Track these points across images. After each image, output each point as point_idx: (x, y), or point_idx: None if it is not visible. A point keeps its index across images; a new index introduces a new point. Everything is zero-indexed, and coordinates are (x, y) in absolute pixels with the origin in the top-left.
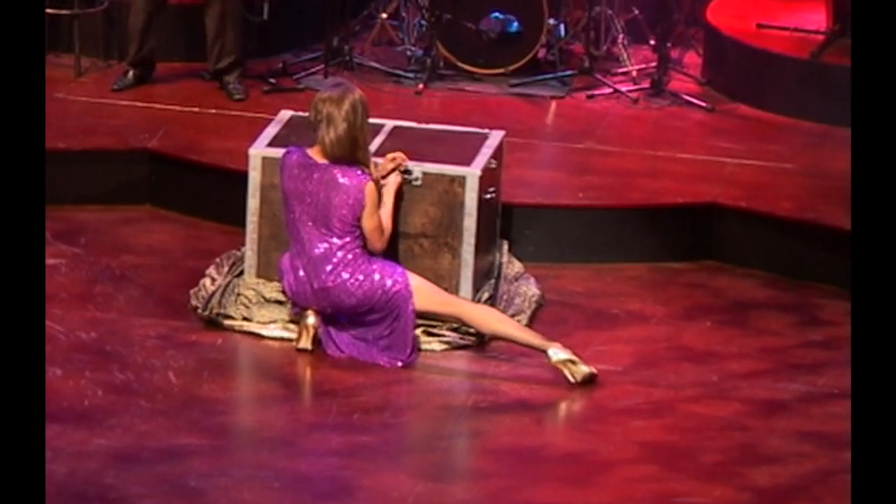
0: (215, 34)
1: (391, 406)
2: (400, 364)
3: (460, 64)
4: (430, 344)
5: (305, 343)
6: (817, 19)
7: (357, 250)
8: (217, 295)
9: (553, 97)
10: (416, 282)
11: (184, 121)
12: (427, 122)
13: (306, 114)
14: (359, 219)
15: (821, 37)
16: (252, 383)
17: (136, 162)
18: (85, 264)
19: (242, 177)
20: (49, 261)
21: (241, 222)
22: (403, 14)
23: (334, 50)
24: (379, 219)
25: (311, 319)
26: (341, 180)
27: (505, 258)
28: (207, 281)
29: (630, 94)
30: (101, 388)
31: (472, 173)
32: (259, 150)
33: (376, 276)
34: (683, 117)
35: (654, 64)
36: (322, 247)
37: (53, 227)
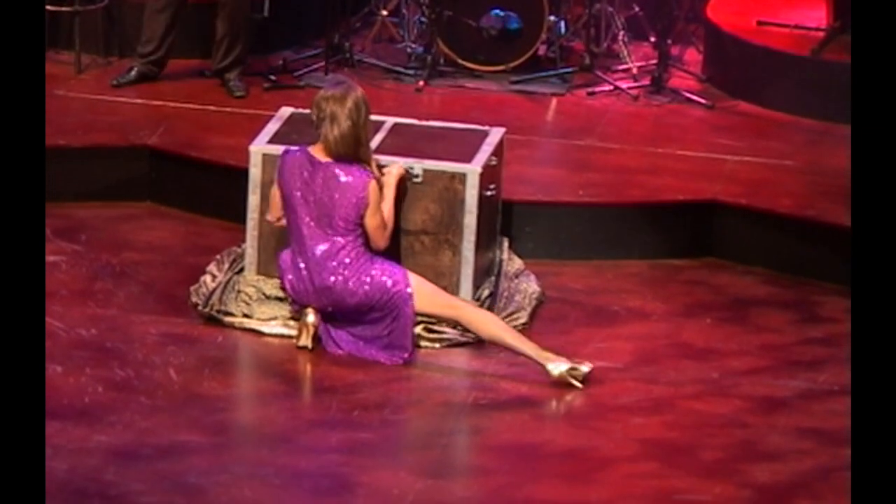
0: (224, 34)
1: (391, 403)
2: (400, 362)
3: (461, 61)
4: (431, 341)
5: (305, 341)
6: (818, 16)
7: (359, 249)
8: (217, 292)
9: (553, 94)
10: (416, 283)
11: (184, 117)
12: (427, 119)
13: (307, 111)
14: (361, 217)
15: (821, 33)
16: (252, 380)
17: (136, 158)
18: (85, 261)
19: (243, 173)
20: (49, 257)
21: (241, 219)
22: (404, 11)
23: (335, 47)
24: (382, 216)
25: (311, 318)
26: (344, 179)
27: (505, 255)
28: (208, 278)
29: (630, 91)
30: (101, 385)
31: (472, 170)
32: (259, 147)
33: (378, 276)
34: (684, 114)
35: (654, 61)
36: (324, 246)
37: (54, 224)
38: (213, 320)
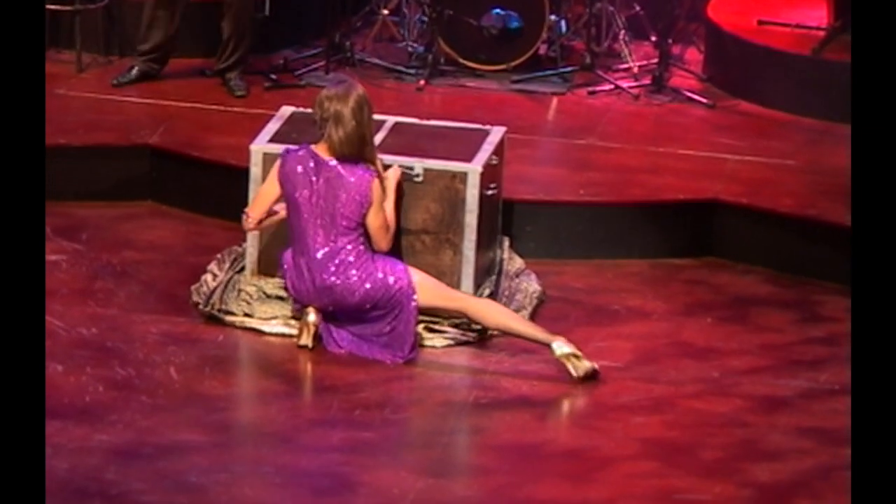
0: (230, 34)
1: (392, 402)
2: (401, 360)
3: (461, 60)
4: (432, 340)
5: (306, 340)
6: (818, 15)
7: (360, 249)
8: (218, 291)
9: (554, 93)
10: (418, 278)
11: (185, 117)
12: (428, 119)
13: (308, 110)
14: (363, 216)
15: (822, 33)
16: (253, 379)
17: (137, 158)
18: (86, 260)
19: (244, 173)
20: (50, 257)
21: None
22: (405, 10)
23: (335, 46)
24: (384, 216)
25: (312, 317)
26: (348, 178)
27: (506, 254)
28: (209, 277)
29: (631, 91)
30: (101, 384)
31: (473, 170)
32: (260, 146)
33: (379, 274)
34: (684, 114)
35: (655, 60)
36: (326, 245)
37: (54, 223)
38: (213, 319)
